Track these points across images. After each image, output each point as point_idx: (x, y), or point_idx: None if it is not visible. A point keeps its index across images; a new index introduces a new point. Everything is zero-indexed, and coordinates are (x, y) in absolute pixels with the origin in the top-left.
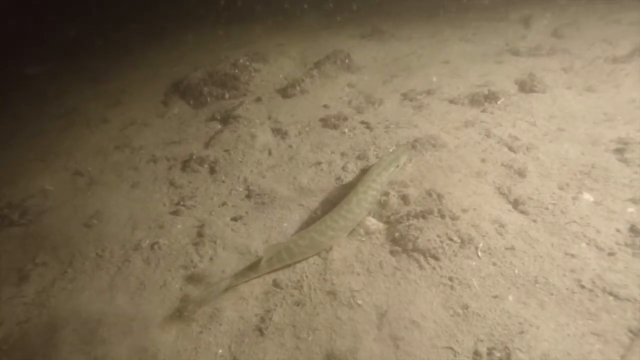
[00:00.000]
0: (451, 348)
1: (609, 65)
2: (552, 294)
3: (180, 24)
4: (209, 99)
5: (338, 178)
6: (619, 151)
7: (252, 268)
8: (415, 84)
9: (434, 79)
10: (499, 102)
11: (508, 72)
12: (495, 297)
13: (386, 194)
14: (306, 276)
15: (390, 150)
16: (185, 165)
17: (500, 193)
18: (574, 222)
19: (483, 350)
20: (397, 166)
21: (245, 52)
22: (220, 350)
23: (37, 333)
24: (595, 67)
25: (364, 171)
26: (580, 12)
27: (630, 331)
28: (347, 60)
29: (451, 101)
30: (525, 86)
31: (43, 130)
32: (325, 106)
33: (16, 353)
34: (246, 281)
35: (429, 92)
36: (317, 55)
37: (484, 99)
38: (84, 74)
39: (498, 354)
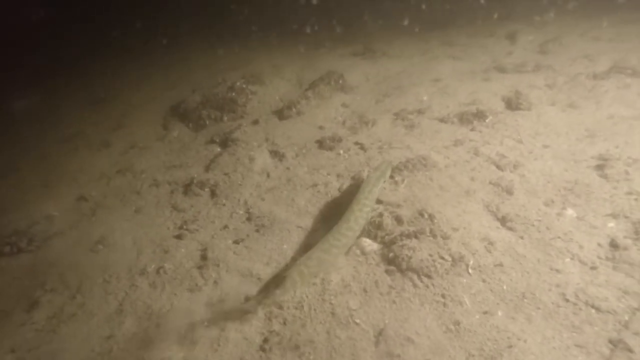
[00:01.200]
0: None
1: (589, 81)
2: (538, 308)
3: (174, 43)
4: (207, 122)
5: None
6: (599, 167)
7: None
8: (407, 103)
9: (425, 98)
10: (487, 121)
11: (495, 90)
12: (485, 312)
13: (380, 215)
14: (306, 296)
15: (374, 168)
16: (187, 189)
17: (489, 211)
18: (558, 237)
19: None
20: (384, 181)
21: (241, 73)
22: None
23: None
24: (577, 84)
25: (353, 189)
26: (563, 28)
27: (611, 342)
28: (340, 81)
29: (441, 120)
30: (512, 104)
31: (46, 154)
32: (320, 127)
33: None
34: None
35: (419, 112)
36: (312, 75)
37: (473, 117)
38: (83, 96)
39: None
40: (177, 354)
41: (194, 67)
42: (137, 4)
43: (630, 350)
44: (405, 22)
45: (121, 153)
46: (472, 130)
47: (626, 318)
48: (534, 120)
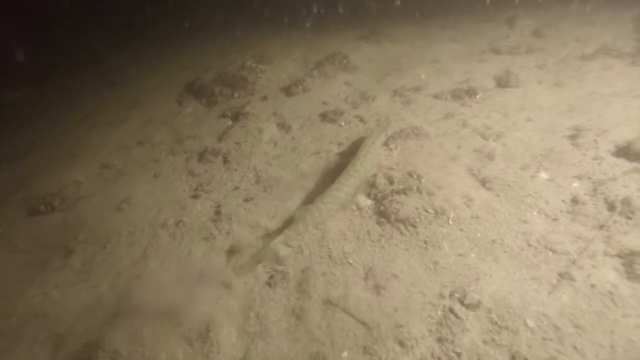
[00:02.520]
0: (422, 292)
1: (577, 62)
2: (505, 252)
3: (190, 29)
4: (219, 98)
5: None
6: (572, 137)
7: (292, 229)
8: (406, 82)
9: (422, 77)
10: (477, 97)
11: (488, 70)
12: (460, 255)
13: (374, 175)
14: (306, 243)
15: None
16: (201, 156)
17: (472, 174)
18: (529, 195)
19: (446, 292)
20: (386, 135)
21: (252, 54)
22: (234, 300)
23: (86, 292)
24: (566, 65)
25: (358, 143)
26: (560, 13)
27: (559, 275)
28: (344, 61)
29: (435, 96)
30: (502, 82)
31: (70, 129)
32: (324, 103)
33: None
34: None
35: (417, 89)
36: (318, 57)
37: (464, 94)
38: (103, 79)
39: (457, 295)
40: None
41: (209, 50)
42: None
43: (573, 279)
44: (409, 8)
45: (139, 127)
46: (462, 105)
47: (575, 257)
48: (520, 96)
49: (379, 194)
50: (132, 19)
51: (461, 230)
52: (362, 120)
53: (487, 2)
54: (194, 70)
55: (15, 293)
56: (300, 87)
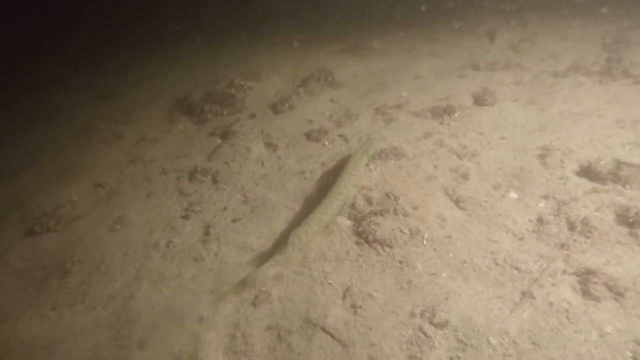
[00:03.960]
0: (395, 312)
1: (550, 79)
2: (475, 271)
3: (175, 42)
4: (209, 116)
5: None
6: (542, 157)
7: (281, 254)
8: (388, 99)
9: (404, 94)
10: (455, 115)
11: (467, 87)
12: (433, 274)
13: (354, 197)
14: (290, 264)
15: (360, 145)
16: (192, 176)
17: (447, 194)
18: (499, 215)
19: (417, 312)
20: (368, 157)
21: (240, 70)
22: (221, 320)
23: (83, 314)
24: (540, 82)
25: (341, 163)
26: (537, 27)
27: (522, 293)
28: (329, 78)
29: (416, 114)
30: (479, 100)
31: (64, 146)
32: (310, 121)
33: None
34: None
35: (398, 107)
36: (305, 72)
37: (443, 112)
38: (93, 90)
39: (427, 314)
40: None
41: (195, 64)
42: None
43: (534, 298)
44: (393, 20)
45: (132, 145)
46: (441, 124)
47: (537, 276)
48: (496, 114)
49: (358, 215)
50: (118, 33)
51: (435, 250)
52: (345, 139)
53: (470, 15)
54: (182, 85)
55: (14, 316)
56: (287, 105)
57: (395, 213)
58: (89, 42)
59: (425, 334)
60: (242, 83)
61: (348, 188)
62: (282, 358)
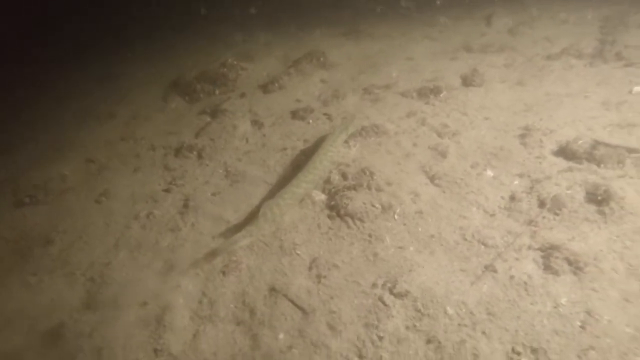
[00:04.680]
0: (357, 282)
1: (542, 61)
2: (442, 245)
3: (179, 25)
4: (201, 95)
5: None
6: (522, 136)
7: (254, 224)
8: (377, 80)
9: (394, 75)
10: (441, 95)
11: (457, 68)
12: (400, 247)
13: (330, 172)
14: (263, 235)
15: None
16: (178, 152)
17: (423, 170)
18: (472, 192)
19: (379, 282)
20: (347, 134)
21: (235, 52)
22: (191, 287)
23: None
24: (532, 64)
25: (320, 140)
26: (537, 11)
27: (484, 267)
28: (322, 59)
29: (402, 94)
30: (467, 80)
31: (60, 124)
32: (298, 100)
33: None
34: (249, 238)
35: (387, 87)
36: (299, 54)
37: (430, 92)
38: (92, 73)
39: (388, 284)
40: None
41: (196, 47)
42: None
43: (495, 271)
44: (393, 4)
45: (125, 123)
46: (426, 103)
47: (501, 250)
48: (482, 95)
49: (332, 189)
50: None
51: (404, 224)
52: (329, 118)
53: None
54: (181, 66)
55: None
56: (277, 85)
57: (369, 188)
58: (91, 27)
59: (384, 303)
60: (235, 63)
61: (323, 163)
62: (243, 323)
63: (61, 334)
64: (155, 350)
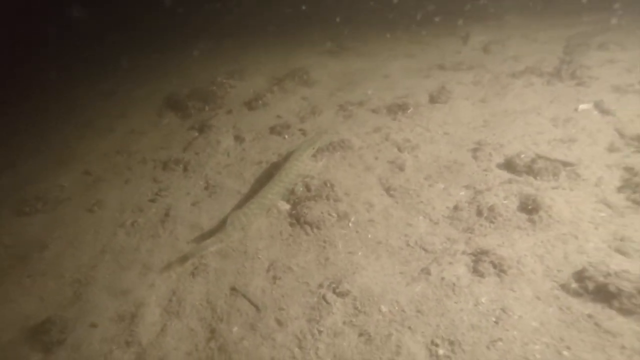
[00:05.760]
0: (307, 283)
1: (507, 79)
2: (387, 250)
3: (178, 44)
4: (192, 112)
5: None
6: (474, 150)
7: (222, 232)
8: (353, 97)
9: (369, 92)
10: (408, 112)
11: (428, 85)
12: (350, 252)
13: (295, 184)
14: (231, 241)
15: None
16: (166, 165)
17: (380, 183)
18: (422, 202)
19: (326, 283)
20: (313, 148)
21: (226, 70)
22: (164, 286)
23: (52, 279)
24: (497, 81)
25: (287, 154)
26: (512, 29)
27: (422, 270)
28: (304, 77)
29: (373, 111)
30: (434, 97)
31: (63, 138)
32: (278, 117)
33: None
34: (219, 244)
35: (360, 104)
36: (285, 71)
37: (398, 109)
38: (97, 89)
39: (333, 285)
40: (138, 277)
41: (190, 65)
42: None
43: (429, 274)
44: (383, 22)
45: (122, 137)
46: (393, 119)
47: (438, 255)
48: (446, 112)
49: (296, 200)
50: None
51: (357, 232)
52: (304, 133)
53: (460, 22)
54: (175, 83)
55: None
56: (261, 102)
57: (328, 198)
58: (97, 43)
59: (326, 301)
60: (224, 81)
61: (289, 176)
62: (204, 319)
63: (47, 328)
64: (127, 342)
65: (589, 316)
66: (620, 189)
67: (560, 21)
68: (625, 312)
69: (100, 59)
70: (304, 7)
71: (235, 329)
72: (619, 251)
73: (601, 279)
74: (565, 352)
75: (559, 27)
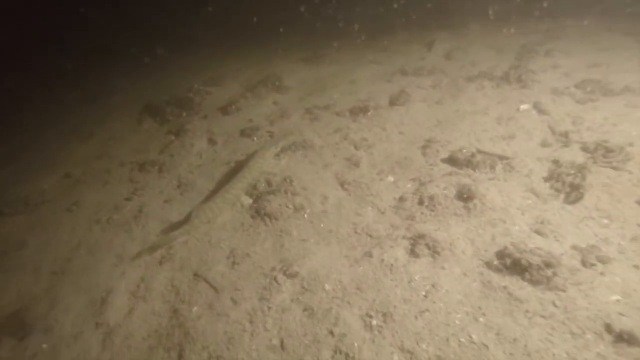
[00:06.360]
0: (261, 266)
1: (463, 83)
2: (337, 238)
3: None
4: (170, 117)
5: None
6: (423, 147)
7: (189, 224)
8: (321, 101)
9: (335, 96)
10: (368, 114)
11: (390, 89)
12: (303, 240)
13: (258, 180)
14: (197, 232)
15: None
16: (142, 167)
17: (336, 178)
18: (372, 194)
19: (278, 266)
20: (276, 147)
21: (203, 77)
22: (133, 274)
23: (30, 273)
24: (453, 85)
25: (252, 154)
26: (475, 37)
27: (365, 253)
28: (277, 83)
29: (337, 114)
30: (393, 100)
31: (46, 144)
32: (250, 120)
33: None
34: (186, 235)
35: (326, 107)
36: (260, 78)
37: (359, 111)
38: (77, 96)
39: (284, 268)
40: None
41: (171, 73)
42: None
43: (371, 256)
44: (358, 30)
45: (102, 142)
46: (354, 121)
47: (380, 240)
48: (403, 113)
49: (257, 194)
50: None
51: (311, 222)
52: (271, 135)
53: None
54: (155, 91)
55: None
56: (234, 107)
57: (286, 192)
58: (79, 50)
59: (277, 281)
60: (201, 88)
61: (252, 173)
62: (169, 301)
63: (21, 317)
64: (97, 324)
65: (504, 287)
66: (546, 179)
67: (519, 29)
68: (534, 282)
69: (80, 65)
70: (283, 16)
71: (195, 308)
72: (538, 232)
73: (517, 255)
74: (481, 319)
75: (516, 36)
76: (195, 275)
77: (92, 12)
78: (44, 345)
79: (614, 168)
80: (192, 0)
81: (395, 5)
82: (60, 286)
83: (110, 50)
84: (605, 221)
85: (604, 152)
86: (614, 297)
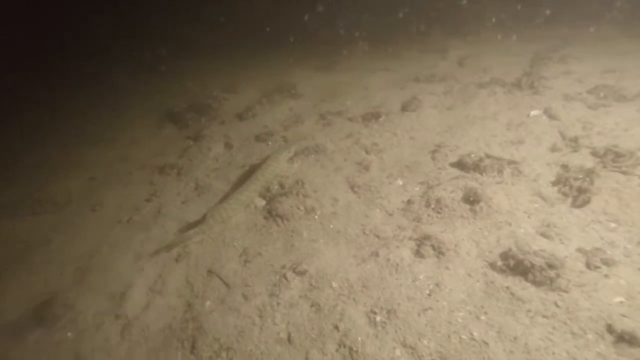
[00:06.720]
0: (272, 265)
1: (474, 89)
2: (345, 238)
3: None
4: (190, 123)
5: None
6: (433, 152)
7: (204, 224)
8: (334, 107)
9: (348, 103)
10: (380, 119)
11: (402, 96)
12: (312, 240)
13: (271, 182)
14: (212, 232)
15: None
16: (162, 170)
17: (347, 181)
18: (381, 197)
19: (288, 265)
20: (289, 152)
21: (222, 85)
22: (151, 270)
23: (56, 265)
24: (465, 91)
25: (266, 158)
26: (488, 45)
27: (372, 253)
28: (292, 90)
29: (350, 119)
30: (405, 106)
31: (75, 148)
32: (265, 126)
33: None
34: (201, 235)
35: (339, 113)
36: (276, 86)
37: (371, 117)
38: (104, 103)
39: (294, 266)
40: (130, 264)
41: (190, 81)
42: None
43: (378, 256)
44: (369, 39)
45: (125, 146)
46: (366, 126)
47: (387, 241)
48: (414, 119)
49: (270, 196)
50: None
51: (321, 223)
52: (285, 140)
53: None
54: (175, 98)
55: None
56: (250, 113)
57: (297, 195)
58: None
59: (286, 279)
60: (219, 95)
61: (265, 176)
62: (184, 296)
63: (50, 305)
64: (116, 316)
65: (507, 287)
66: (554, 183)
67: (533, 36)
68: (537, 283)
69: (103, 78)
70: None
71: (208, 303)
72: (544, 235)
73: (520, 256)
74: (482, 317)
75: (530, 42)
76: (209, 272)
77: (114, 20)
78: (69, 334)
79: (624, 173)
80: (208, 13)
81: (404, 15)
82: (84, 280)
83: (133, 58)
84: (613, 225)
85: (614, 157)
86: (618, 299)
